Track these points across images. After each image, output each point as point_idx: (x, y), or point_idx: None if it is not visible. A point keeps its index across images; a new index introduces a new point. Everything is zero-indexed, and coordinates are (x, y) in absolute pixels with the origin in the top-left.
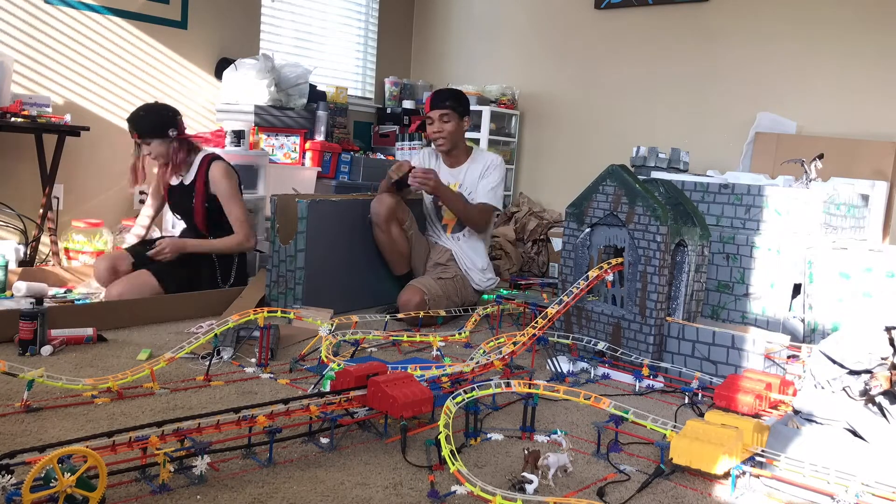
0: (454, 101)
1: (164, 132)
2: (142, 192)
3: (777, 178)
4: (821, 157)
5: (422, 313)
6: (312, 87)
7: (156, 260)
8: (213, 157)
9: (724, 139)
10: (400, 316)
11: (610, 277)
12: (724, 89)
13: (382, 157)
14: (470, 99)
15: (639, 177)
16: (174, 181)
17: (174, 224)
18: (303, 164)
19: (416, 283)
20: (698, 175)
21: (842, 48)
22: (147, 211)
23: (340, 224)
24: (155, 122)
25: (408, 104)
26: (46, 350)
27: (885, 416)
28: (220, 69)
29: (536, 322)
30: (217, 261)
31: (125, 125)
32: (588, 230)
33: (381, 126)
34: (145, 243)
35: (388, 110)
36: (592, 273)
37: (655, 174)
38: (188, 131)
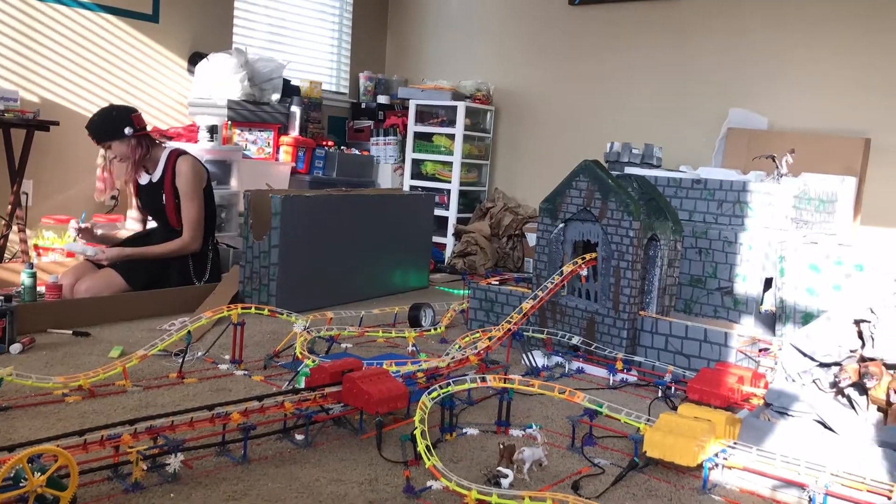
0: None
1: (121, 132)
2: (113, 198)
3: (749, 174)
4: (792, 152)
5: None
6: (286, 81)
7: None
8: (180, 153)
9: (697, 135)
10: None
11: (584, 272)
12: (698, 85)
13: (357, 152)
14: (445, 94)
15: (612, 172)
16: (143, 180)
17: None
18: (277, 160)
19: None
20: (671, 170)
21: (813, 45)
22: (133, 214)
23: (314, 220)
24: (109, 124)
25: (382, 99)
26: (16, 348)
27: (853, 407)
28: (192, 63)
29: (511, 317)
30: (190, 257)
31: None
32: (562, 225)
33: (355, 121)
34: (140, 237)
35: (363, 105)
36: (567, 268)
37: (629, 170)
38: (160, 126)
